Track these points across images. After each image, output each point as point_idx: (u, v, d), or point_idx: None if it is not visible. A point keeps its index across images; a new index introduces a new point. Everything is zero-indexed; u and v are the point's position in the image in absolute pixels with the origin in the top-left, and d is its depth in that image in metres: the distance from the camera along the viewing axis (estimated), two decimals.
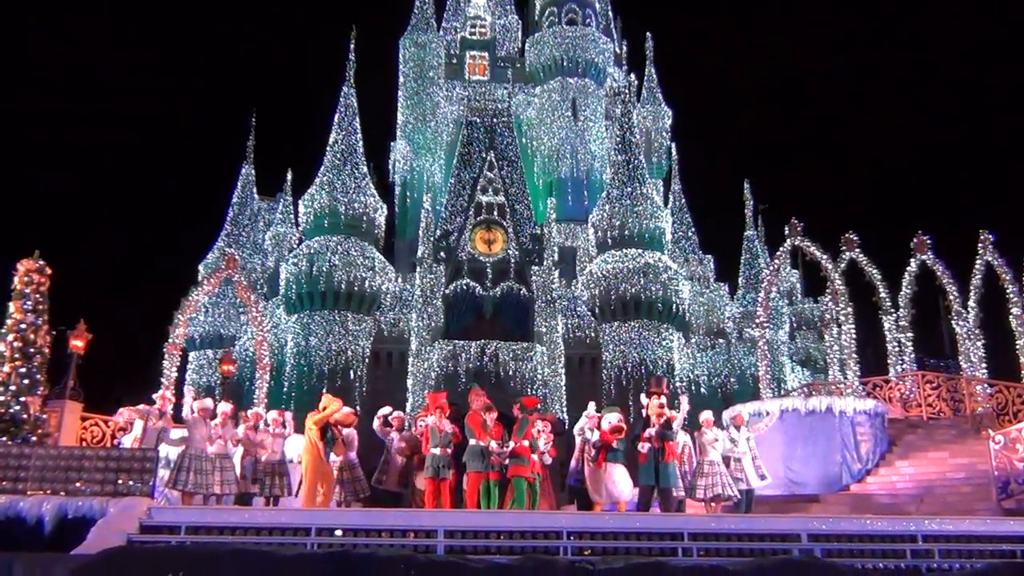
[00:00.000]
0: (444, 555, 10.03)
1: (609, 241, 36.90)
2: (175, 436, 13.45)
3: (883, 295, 21.88)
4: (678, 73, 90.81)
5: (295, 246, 38.68)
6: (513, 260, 36.83)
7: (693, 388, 35.69)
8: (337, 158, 37.19)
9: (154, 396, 13.72)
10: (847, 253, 21.79)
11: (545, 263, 36.64)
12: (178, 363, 20.79)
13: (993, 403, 18.79)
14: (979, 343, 21.01)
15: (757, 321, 22.15)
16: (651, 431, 12.70)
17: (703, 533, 10.75)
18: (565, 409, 32.85)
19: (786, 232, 21.79)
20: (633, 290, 35.23)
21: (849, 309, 21.17)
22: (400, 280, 37.21)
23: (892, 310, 21.89)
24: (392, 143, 46.12)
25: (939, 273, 21.71)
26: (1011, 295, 20.52)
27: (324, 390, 31.68)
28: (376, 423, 14.11)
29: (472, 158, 41.11)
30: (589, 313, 36.70)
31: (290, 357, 34.57)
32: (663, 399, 13.21)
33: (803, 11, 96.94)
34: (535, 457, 12.59)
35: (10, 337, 15.31)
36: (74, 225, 74.51)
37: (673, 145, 46.29)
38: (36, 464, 11.85)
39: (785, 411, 17.30)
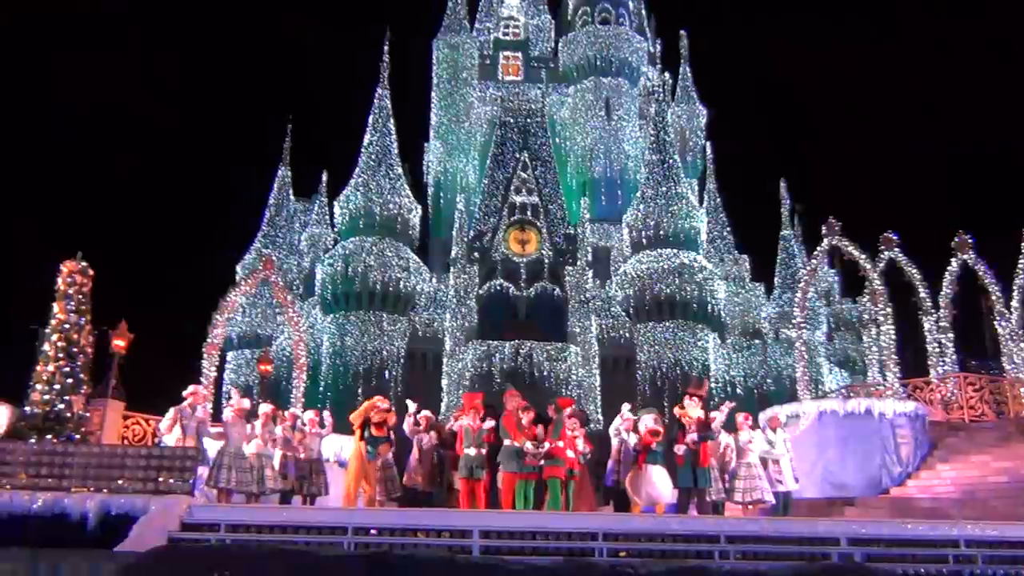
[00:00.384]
0: (479, 555, 10.05)
1: (644, 241, 36.76)
2: (213, 431, 13.67)
3: (923, 295, 21.55)
4: (713, 71, 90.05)
5: (331, 247, 39.03)
6: (547, 260, 36.83)
7: (729, 389, 35.43)
8: (372, 159, 37.46)
9: (184, 393, 13.84)
10: (886, 252, 21.50)
11: (579, 263, 36.59)
12: (217, 363, 21.02)
13: None
14: (1022, 344, 20.62)
15: (794, 321, 21.91)
16: (692, 436, 12.62)
17: (740, 536, 10.64)
18: (599, 410, 32.77)
19: (823, 231, 21.53)
20: (668, 290, 35.08)
21: (888, 309, 20.87)
22: (434, 280, 37.36)
23: (933, 310, 21.56)
24: (426, 144, 46.32)
25: (981, 273, 21.35)
26: None
27: (359, 390, 32.18)
28: (407, 424, 14.11)
29: (506, 158, 41.18)
30: (623, 313, 36.57)
31: (326, 357, 34.86)
32: (693, 401, 13.16)
33: (841, 6, 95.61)
34: (570, 454, 12.58)
35: (54, 337, 15.58)
36: (115, 227, 75.87)
37: (708, 144, 45.95)
38: (80, 462, 12.05)
39: (823, 413, 17.10)
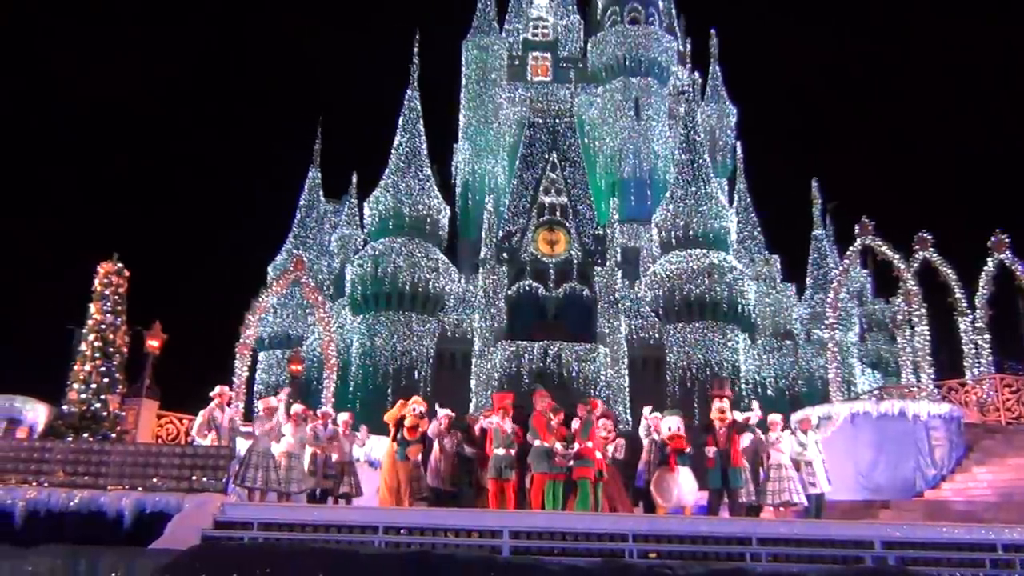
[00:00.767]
0: (510, 556, 10.07)
1: (673, 241, 36.59)
2: (244, 430, 13.84)
3: (959, 296, 21.24)
4: (743, 70, 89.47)
5: (360, 248, 39.28)
6: (576, 261, 36.75)
7: (759, 390, 35.11)
8: (401, 160, 37.65)
9: (211, 394, 13.99)
10: (920, 252, 21.21)
11: (608, 264, 36.48)
12: (249, 363, 21.24)
13: None
14: None
15: (826, 322, 21.67)
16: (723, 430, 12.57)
17: (772, 538, 10.57)
18: (628, 411, 32.64)
19: (856, 231, 21.28)
20: (697, 291, 34.88)
21: (923, 310, 20.59)
22: (463, 281, 37.44)
23: (968, 311, 21.24)
24: (455, 145, 46.45)
25: (1019, 273, 21.00)
26: None
27: (389, 390, 32.36)
28: (434, 427, 14.08)
29: (535, 159, 41.14)
30: (653, 314, 36.42)
31: (356, 357, 35.06)
32: (726, 402, 13.10)
33: (873, 5, 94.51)
34: (598, 455, 12.57)
35: (91, 337, 15.85)
36: (150, 229, 76.91)
37: (738, 143, 45.63)
38: (116, 460, 12.27)
39: (856, 415, 16.90)
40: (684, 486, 12.67)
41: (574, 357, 34.21)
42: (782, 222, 55.59)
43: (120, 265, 16.53)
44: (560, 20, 50.35)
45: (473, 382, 34.33)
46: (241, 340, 20.97)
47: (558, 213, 37.94)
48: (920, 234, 21.41)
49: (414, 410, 13.85)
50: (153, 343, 18.70)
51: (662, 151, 44.69)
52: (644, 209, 41.69)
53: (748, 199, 43.34)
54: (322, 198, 44.00)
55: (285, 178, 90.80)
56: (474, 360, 34.87)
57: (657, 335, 36.03)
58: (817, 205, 42.11)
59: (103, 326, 15.94)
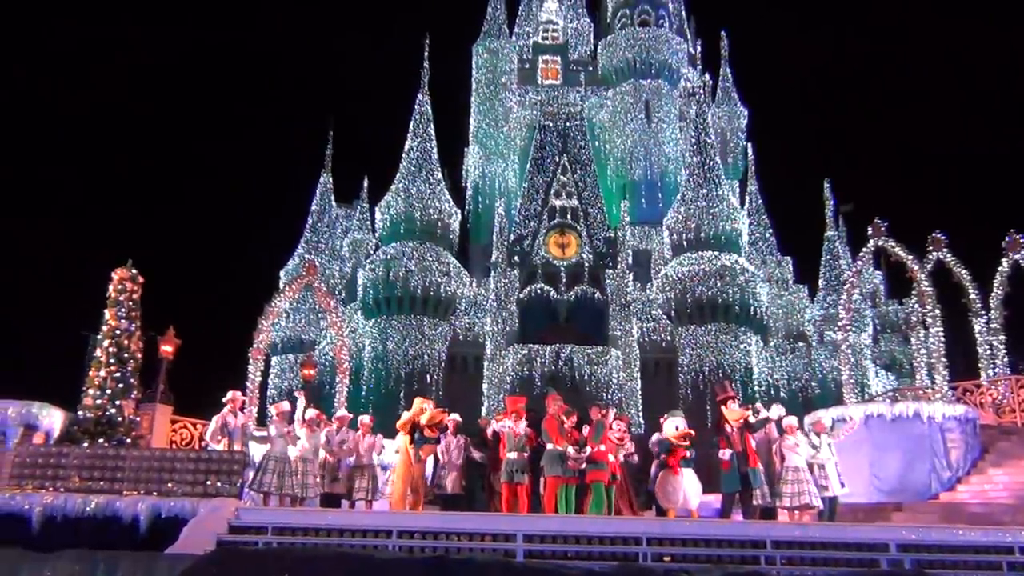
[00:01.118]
0: (524, 560, 10.08)
1: (684, 244, 36.51)
2: (258, 434, 13.89)
3: (973, 296, 21.12)
4: (754, 72, 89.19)
5: (372, 252, 39.32)
6: (587, 264, 36.73)
7: (772, 392, 34.96)
8: (412, 165, 37.70)
9: (224, 399, 14.04)
10: (934, 253, 21.12)
11: (619, 266, 36.43)
12: (261, 368, 21.31)
13: None
14: None
15: (839, 324, 21.62)
16: (734, 430, 12.55)
17: (787, 541, 10.54)
18: (641, 413, 32.60)
19: (869, 232, 21.19)
20: (709, 293, 34.77)
21: (937, 311, 20.49)
22: (475, 284, 37.46)
23: (983, 312, 21.11)
24: (466, 148, 46.50)
25: None
26: None
27: (401, 394, 32.40)
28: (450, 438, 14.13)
29: (545, 162, 41.12)
30: (664, 316, 36.33)
31: (368, 361, 35.12)
32: (735, 403, 13.11)
33: (883, 5, 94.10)
34: (611, 458, 12.56)
35: (106, 343, 15.95)
36: (163, 235, 77.32)
37: (749, 145, 45.48)
38: (131, 465, 12.36)
39: (870, 417, 16.83)
40: (689, 489, 12.66)
41: (586, 360, 34.17)
42: (794, 224, 55.29)
43: (134, 271, 16.64)
44: (570, 23, 50.34)
45: (485, 386, 34.34)
46: (254, 345, 21.05)
47: (569, 216, 37.92)
48: (934, 234, 21.32)
49: (436, 412, 13.82)
50: (167, 348, 18.80)
51: (673, 153, 44.61)
52: (655, 211, 41.60)
53: (760, 201, 43.17)
54: (333, 203, 44.12)
55: (297, 183, 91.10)
56: (486, 364, 34.87)
57: (669, 338, 35.95)
58: (829, 206, 41.92)
59: (118, 332, 16.04)
